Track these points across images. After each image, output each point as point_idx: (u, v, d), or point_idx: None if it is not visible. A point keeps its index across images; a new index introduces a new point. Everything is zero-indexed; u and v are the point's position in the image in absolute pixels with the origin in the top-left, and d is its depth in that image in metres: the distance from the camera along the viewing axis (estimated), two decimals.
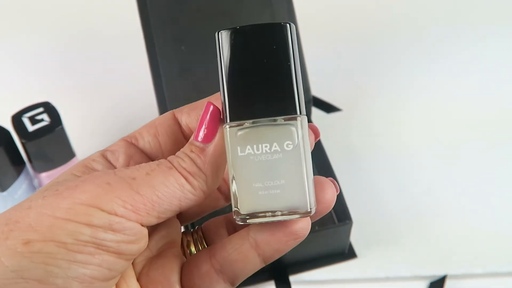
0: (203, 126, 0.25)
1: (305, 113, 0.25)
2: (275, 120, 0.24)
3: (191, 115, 0.28)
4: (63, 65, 0.73)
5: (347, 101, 0.68)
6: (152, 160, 0.27)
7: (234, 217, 0.25)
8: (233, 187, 0.25)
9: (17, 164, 0.54)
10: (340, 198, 0.53)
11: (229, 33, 0.25)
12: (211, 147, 0.25)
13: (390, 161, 0.63)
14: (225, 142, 0.25)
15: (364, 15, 0.79)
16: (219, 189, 0.30)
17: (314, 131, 0.27)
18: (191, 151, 0.25)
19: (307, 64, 0.59)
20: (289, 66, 0.24)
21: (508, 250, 0.56)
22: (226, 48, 0.25)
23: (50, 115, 0.53)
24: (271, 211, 0.24)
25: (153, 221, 0.25)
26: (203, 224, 0.31)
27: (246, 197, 0.24)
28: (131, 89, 0.70)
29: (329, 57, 0.73)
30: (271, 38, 0.24)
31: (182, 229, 0.31)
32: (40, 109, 0.53)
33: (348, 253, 0.56)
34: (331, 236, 0.53)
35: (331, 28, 0.77)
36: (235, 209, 0.25)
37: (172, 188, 0.25)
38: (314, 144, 0.27)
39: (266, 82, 0.24)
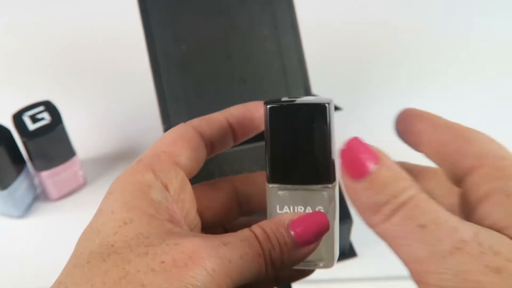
0: (305, 226, 0.24)
1: (335, 178, 0.27)
2: (311, 188, 0.27)
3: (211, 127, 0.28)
4: (64, 64, 0.73)
5: (347, 101, 0.68)
6: (188, 176, 0.26)
7: None
8: None
9: (18, 162, 0.54)
10: (340, 197, 0.53)
11: (276, 108, 0.27)
12: (304, 251, 0.24)
13: None
14: (267, 199, 0.27)
15: (365, 15, 0.79)
16: None
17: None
18: (285, 243, 0.24)
19: (307, 63, 0.59)
20: (326, 142, 0.26)
21: None
22: (273, 121, 0.27)
23: (50, 114, 0.53)
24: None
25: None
26: None
27: None
28: (132, 88, 0.70)
29: (330, 56, 0.73)
30: (312, 115, 0.27)
31: None
32: (41, 108, 0.53)
33: (348, 252, 0.56)
34: None
35: (332, 27, 0.77)
36: None
37: (247, 265, 0.22)
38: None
39: (306, 153, 0.27)
